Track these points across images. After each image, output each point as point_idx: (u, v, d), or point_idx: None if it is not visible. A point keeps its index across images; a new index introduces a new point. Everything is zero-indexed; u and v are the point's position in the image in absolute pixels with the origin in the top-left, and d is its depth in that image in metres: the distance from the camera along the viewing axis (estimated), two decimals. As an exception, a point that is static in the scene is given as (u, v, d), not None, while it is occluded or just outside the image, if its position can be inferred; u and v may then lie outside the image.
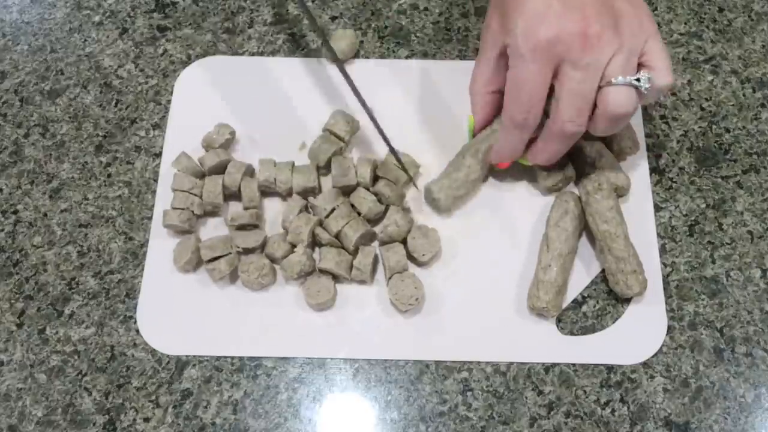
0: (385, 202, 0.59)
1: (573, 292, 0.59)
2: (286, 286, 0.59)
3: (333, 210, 0.58)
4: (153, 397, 0.55)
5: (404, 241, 0.59)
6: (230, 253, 0.58)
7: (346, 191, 0.60)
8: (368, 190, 0.60)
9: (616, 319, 0.58)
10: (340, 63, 0.63)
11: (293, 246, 0.58)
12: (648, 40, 0.53)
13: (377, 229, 0.60)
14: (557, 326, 0.57)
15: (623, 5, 0.53)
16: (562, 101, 0.53)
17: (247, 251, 0.59)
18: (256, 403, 0.55)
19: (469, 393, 0.56)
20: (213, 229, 0.61)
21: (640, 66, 0.53)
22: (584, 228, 0.60)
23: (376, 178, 0.61)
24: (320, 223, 0.59)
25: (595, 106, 0.54)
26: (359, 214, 0.59)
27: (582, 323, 0.58)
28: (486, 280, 0.59)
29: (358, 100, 0.61)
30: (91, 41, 0.69)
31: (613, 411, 0.55)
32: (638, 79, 0.52)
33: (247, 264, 0.57)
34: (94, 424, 0.55)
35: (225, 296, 0.59)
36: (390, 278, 0.57)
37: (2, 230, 0.61)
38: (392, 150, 0.60)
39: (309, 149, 0.62)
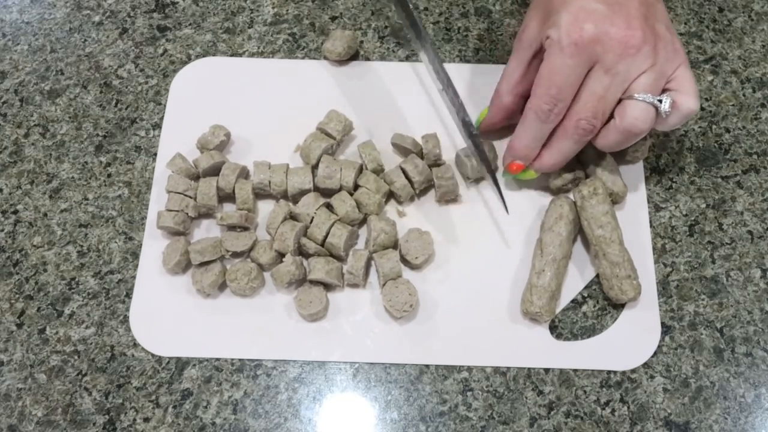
0: (363, 211, 0.59)
1: (567, 297, 0.59)
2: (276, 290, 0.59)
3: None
4: (153, 397, 0.55)
5: (396, 245, 0.59)
6: (220, 257, 0.58)
7: (328, 193, 0.60)
8: (350, 195, 0.60)
9: (610, 324, 0.58)
10: (439, 61, 0.61)
11: (279, 254, 0.58)
12: (680, 66, 0.54)
13: (366, 240, 0.60)
14: (550, 331, 0.57)
15: (663, 29, 0.54)
16: (582, 99, 0.53)
17: (236, 255, 0.59)
18: (256, 403, 0.55)
19: (469, 393, 0.56)
20: (206, 231, 0.61)
21: (665, 91, 0.54)
22: (578, 233, 0.60)
23: (356, 186, 0.60)
24: (305, 230, 0.58)
25: (610, 117, 0.54)
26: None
27: (577, 327, 0.58)
28: (480, 284, 0.59)
29: (449, 97, 0.61)
30: (91, 41, 0.69)
31: (613, 411, 0.55)
32: (660, 100, 0.53)
33: (234, 272, 0.57)
34: (94, 424, 0.55)
35: (218, 299, 0.58)
36: (384, 285, 0.57)
37: (2, 230, 0.61)
38: (475, 143, 0.59)
39: (301, 148, 0.62)
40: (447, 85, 0.60)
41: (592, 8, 0.52)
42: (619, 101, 0.54)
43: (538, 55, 0.56)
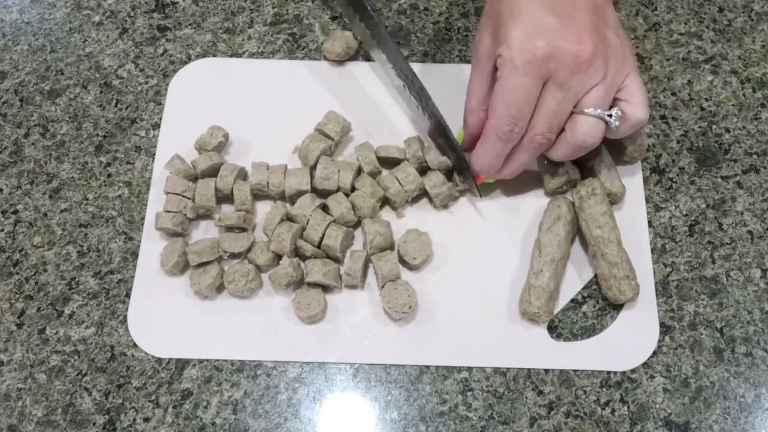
0: (357, 214, 0.59)
1: (565, 297, 0.59)
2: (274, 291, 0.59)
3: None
4: (153, 397, 0.55)
5: (393, 245, 0.59)
6: (218, 258, 0.58)
7: (326, 194, 0.60)
8: (347, 196, 0.60)
9: (609, 324, 0.58)
10: (407, 66, 0.62)
11: (276, 255, 0.58)
12: (629, 74, 0.54)
13: (363, 242, 0.60)
14: (550, 332, 0.57)
15: (613, 37, 0.53)
16: (537, 114, 0.53)
17: (234, 256, 0.58)
18: (256, 403, 0.55)
19: (469, 393, 0.56)
20: (204, 232, 0.61)
21: (615, 100, 0.54)
22: (577, 233, 0.60)
23: (353, 188, 0.60)
24: (302, 232, 0.58)
25: (563, 129, 0.54)
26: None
27: (577, 327, 0.58)
28: (478, 284, 0.59)
29: (419, 102, 0.61)
30: (91, 41, 0.69)
31: (613, 411, 0.55)
32: (610, 115, 0.53)
33: (232, 274, 0.57)
34: (94, 424, 0.55)
35: (216, 301, 0.58)
36: (383, 287, 0.57)
37: (2, 230, 0.61)
38: (448, 139, 0.60)
39: (299, 149, 0.62)
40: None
41: (544, 22, 0.51)
42: (571, 113, 0.54)
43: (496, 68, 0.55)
